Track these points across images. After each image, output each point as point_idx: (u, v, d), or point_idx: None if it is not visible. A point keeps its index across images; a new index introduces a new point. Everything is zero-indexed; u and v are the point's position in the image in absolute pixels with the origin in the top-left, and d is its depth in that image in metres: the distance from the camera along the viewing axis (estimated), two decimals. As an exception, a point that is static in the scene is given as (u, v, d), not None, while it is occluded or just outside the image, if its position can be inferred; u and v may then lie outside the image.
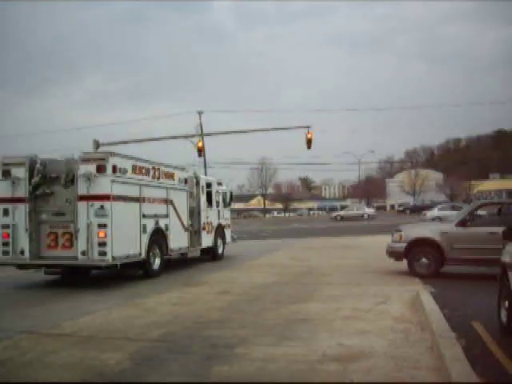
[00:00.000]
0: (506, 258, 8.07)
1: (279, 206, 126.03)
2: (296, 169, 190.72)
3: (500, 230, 8.42)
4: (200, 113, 49.38)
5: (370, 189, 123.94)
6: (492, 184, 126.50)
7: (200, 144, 42.88)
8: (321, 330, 8.19)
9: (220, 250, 21.93)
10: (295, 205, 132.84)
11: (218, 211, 22.02)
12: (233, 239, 24.02)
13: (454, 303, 10.37)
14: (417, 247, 14.61)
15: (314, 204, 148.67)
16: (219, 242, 21.86)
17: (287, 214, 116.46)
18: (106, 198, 13.62)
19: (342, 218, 70.44)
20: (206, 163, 52.30)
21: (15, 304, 11.81)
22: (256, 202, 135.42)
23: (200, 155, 44.32)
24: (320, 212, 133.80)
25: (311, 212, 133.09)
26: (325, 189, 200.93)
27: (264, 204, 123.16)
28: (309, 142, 37.60)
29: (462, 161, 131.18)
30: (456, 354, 6.15)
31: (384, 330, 8.03)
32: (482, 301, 10.27)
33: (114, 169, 13.84)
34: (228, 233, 23.24)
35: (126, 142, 47.25)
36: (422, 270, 14.44)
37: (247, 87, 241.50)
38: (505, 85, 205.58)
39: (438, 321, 8.03)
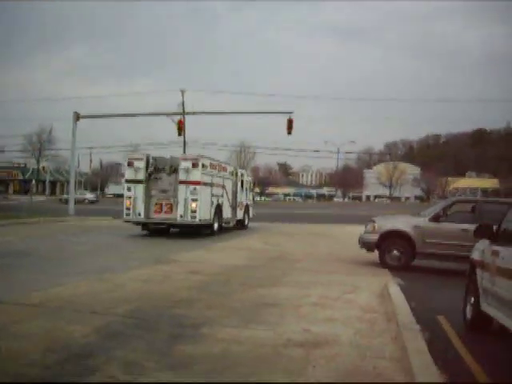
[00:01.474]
0: (475, 255, 8.17)
1: (256, 190, 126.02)
2: (276, 154, 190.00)
3: (472, 227, 8.50)
4: (183, 91, 49.12)
5: (347, 178, 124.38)
6: (468, 182, 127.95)
7: (181, 123, 42.58)
8: (288, 315, 8.21)
9: (246, 222, 30.07)
10: (271, 189, 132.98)
11: (246, 194, 30.26)
12: (252, 215, 31.78)
13: (421, 296, 10.49)
14: (389, 239, 14.71)
15: (290, 190, 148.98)
16: (246, 216, 30.00)
17: (262, 198, 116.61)
18: (197, 183, 21.75)
19: None
20: (186, 142, 52.16)
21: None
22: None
23: (180, 134, 44.06)
24: (296, 198, 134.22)
25: (287, 198, 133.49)
26: (302, 175, 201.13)
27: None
28: (289, 128, 37.48)
29: (440, 157, 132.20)
30: (419, 346, 6.22)
31: (350, 318, 8.08)
32: (449, 296, 10.41)
33: (202, 165, 22.00)
34: (251, 210, 31.36)
35: (105, 116, 46.92)
36: (393, 262, 14.56)
37: (233, 70, 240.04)
38: (487, 84, 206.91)
39: (404, 313, 8.11)
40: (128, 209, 22.51)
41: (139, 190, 22.39)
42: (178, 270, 13.00)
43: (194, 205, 21.52)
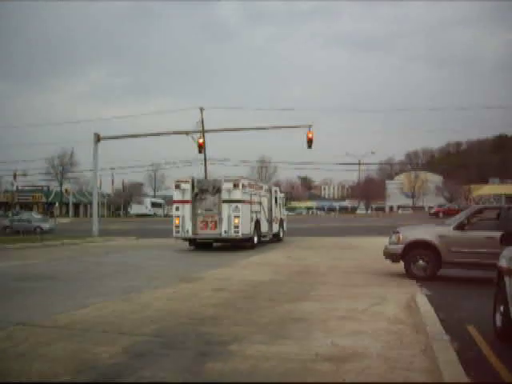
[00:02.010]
0: (502, 263, 8.06)
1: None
2: (296, 168, 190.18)
3: (497, 234, 8.40)
4: (202, 109, 49.17)
5: (369, 190, 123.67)
6: (491, 188, 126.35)
7: (201, 140, 42.72)
8: (315, 329, 8.18)
9: (281, 235, 32.46)
10: (294, 204, 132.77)
11: (280, 209, 32.65)
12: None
13: (449, 306, 10.37)
14: (414, 249, 14.58)
15: (312, 203, 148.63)
16: (281, 230, 32.38)
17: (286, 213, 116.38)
18: (239, 201, 24.27)
19: None
20: (207, 159, 52.36)
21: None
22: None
23: (200, 152, 44.21)
24: (319, 211, 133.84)
25: (310, 211, 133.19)
26: (324, 189, 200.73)
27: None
28: (309, 142, 37.39)
29: (461, 164, 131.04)
30: (449, 356, 6.15)
31: (378, 331, 8.02)
32: (478, 305, 10.27)
33: (242, 185, 24.62)
34: (285, 224, 33.83)
35: (125, 137, 47.27)
36: (419, 272, 14.43)
37: (250, 85, 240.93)
38: (506, 90, 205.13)
39: (433, 323, 8.03)
40: (177, 226, 25.06)
41: (187, 209, 24.96)
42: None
43: (236, 221, 24.04)
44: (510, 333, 7.61)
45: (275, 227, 31.02)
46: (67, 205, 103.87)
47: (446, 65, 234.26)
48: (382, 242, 16.48)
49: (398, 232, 15.24)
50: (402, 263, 14.90)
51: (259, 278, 14.63)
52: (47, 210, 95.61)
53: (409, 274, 14.56)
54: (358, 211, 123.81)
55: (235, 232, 24.12)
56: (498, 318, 7.93)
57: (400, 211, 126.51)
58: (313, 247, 27.05)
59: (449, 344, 6.74)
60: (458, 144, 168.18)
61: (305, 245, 29.01)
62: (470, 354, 6.79)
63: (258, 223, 26.80)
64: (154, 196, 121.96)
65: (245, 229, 24.64)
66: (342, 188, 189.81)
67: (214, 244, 27.09)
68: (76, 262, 20.14)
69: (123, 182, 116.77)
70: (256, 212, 26.63)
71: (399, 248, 14.73)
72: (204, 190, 25.26)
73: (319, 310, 9.87)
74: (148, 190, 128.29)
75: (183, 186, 25.20)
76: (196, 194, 25.22)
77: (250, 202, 25.74)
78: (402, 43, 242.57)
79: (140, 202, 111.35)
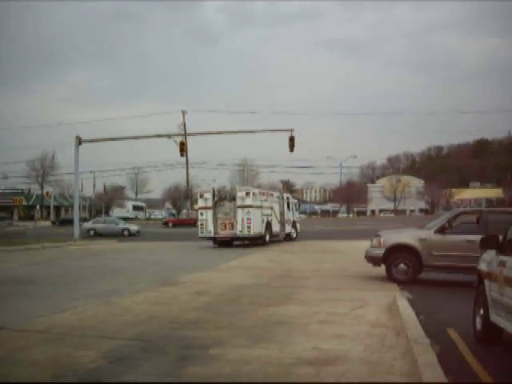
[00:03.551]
0: (482, 267, 8.12)
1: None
2: (278, 172, 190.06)
3: (478, 238, 8.44)
4: (184, 112, 49.24)
5: (351, 193, 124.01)
6: (472, 192, 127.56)
7: (182, 144, 42.68)
8: (297, 333, 8.18)
9: (294, 236, 36.73)
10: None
11: (293, 213, 37.08)
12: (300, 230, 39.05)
13: (430, 309, 10.43)
14: (395, 253, 14.64)
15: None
16: (293, 230, 36.82)
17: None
18: (250, 206, 29.35)
19: None
20: (189, 163, 52.34)
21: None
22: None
23: (182, 155, 44.18)
24: (301, 215, 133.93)
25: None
26: (306, 192, 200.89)
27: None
28: (291, 145, 37.54)
29: (443, 168, 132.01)
30: (430, 359, 6.17)
31: (360, 334, 8.03)
32: (458, 308, 10.33)
33: (253, 194, 29.87)
34: (298, 225, 38.28)
35: (107, 140, 47.06)
36: (400, 275, 14.48)
37: (234, 88, 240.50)
38: (487, 95, 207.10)
39: (414, 327, 8.06)
40: (202, 228, 30.39)
41: (209, 214, 30.13)
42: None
43: (249, 222, 29.22)
44: (489, 336, 7.67)
45: (288, 228, 35.77)
46: (48, 208, 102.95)
47: (429, 69, 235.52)
48: (364, 245, 16.54)
49: (379, 236, 15.30)
50: (383, 267, 14.96)
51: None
52: (29, 213, 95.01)
53: (390, 277, 14.61)
54: (340, 215, 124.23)
55: (248, 231, 29.36)
56: (478, 320, 7.99)
57: (381, 215, 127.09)
58: (292, 251, 27.17)
59: (429, 347, 6.76)
60: (439, 148, 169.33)
61: (286, 248, 29.35)
62: (450, 356, 6.83)
63: (269, 224, 31.84)
64: (136, 199, 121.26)
65: (256, 228, 29.72)
66: (324, 191, 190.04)
67: (235, 242, 31.67)
68: (57, 266, 20.00)
69: (104, 185, 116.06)
70: (267, 215, 31.72)
71: (380, 252, 14.78)
72: (222, 198, 30.53)
73: (301, 313, 9.88)
74: (130, 193, 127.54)
75: (206, 195, 30.54)
76: (216, 202, 30.29)
77: (261, 207, 30.77)
78: (387, 48, 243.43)
79: (122, 206, 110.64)
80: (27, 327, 8.71)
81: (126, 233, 46.72)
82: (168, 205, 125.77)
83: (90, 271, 17.85)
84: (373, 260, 15.20)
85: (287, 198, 36.73)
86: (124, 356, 6.87)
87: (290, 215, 36.32)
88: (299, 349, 7.12)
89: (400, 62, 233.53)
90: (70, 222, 76.21)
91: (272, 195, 34.17)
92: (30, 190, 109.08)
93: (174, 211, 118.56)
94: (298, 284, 14.26)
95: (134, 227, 49.04)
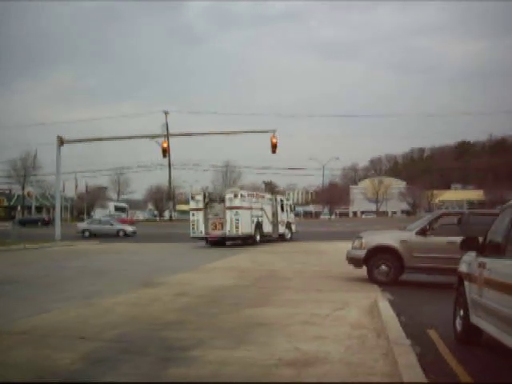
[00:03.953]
0: (462, 268, 8.19)
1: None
2: (262, 173, 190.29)
3: (458, 239, 8.50)
4: (166, 113, 49.11)
5: (333, 195, 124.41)
6: (453, 194, 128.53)
7: (165, 145, 42.52)
8: (278, 334, 8.17)
9: (288, 236, 37.74)
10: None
11: (287, 214, 38.21)
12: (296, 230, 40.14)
13: (410, 311, 10.48)
14: (377, 254, 14.69)
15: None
16: (287, 231, 37.93)
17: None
18: (238, 208, 30.55)
19: None
20: (171, 164, 52.18)
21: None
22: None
23: (164, 156, 44.04)
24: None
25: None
26: (288, 193, 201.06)
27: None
28: (273, 147, 37.52)
29: (424, 170, 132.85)
30: (410, 360, 6.20)
31: (341, 335, 8.05)
32: (439, 309, 10.39)
33: (241, 195, 31.10)
34: (293, 226, 39.54)
35: (89, 140, 46.80)
36: (382, 277, 14.53)
37: (218, 89, 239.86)
38: (469, 98, 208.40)
39: (394, 328, 8.09)
40: (193, 228, 31.58)
41: (200, 215, 31.37)
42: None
43: (237, 223, 30.40)
44: (469, 337, 7.73)
45: (281, 229, 36.94)
46: (30, 208, 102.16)
47: (412, 72, 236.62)
48: (345, 247, 16.58)
49: (360, 237, 15.34)
50: (364, 268, 15.01)
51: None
52: (9, 213, 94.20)
53: (371, 278, 14.66)
54: (322, 216, 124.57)
55: (236, 231, 30.52)
56: (458, 322, 8.05)
57: (364, 216, 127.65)
58: (276, 252, 27.19)
59: (410, 348, 6.80)
60: (421, 150, 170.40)
61: (269, 249, 29.22)
62: (430, 357, 6.88)
63: (259, 225, 32.94)
64: (118, 200, 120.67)
65: (244, 229, 30.91)
66: (306, 193, 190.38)
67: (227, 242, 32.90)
68: (38, 267, 19.85)
69: (86, 185, 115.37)
70: (257, 216, 32.78)
71: (362, 253, 14.83)
72: (213, 200, 31.93)
73: (282, 314, 9.89)
74: (112, 193, 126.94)
75: (197, 197, 32.07)
76: (207, 203, 31.54)
77: (250, 208, 31.82)
78: (368, 49, 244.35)
79: (104, 206, 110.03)
80: (7, 329, 8.63)
81: (121, 234, 46.39)
82: (150, 206, 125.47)
83: (72, 272, 17.75)
84: (354, 261, 15.23)
85: (281, 200, 38.05)
86: (105, 357, 6.83)
87: (283, 216, 37.47)
88: (280, 350, 7.12)
89: (383, 64, 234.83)
90: (32, 222, 75.53)
91: (263, 197, 35.75)
92: (11, 191, 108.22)
93: (155, 212, 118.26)
94: (281, 285, 14.27)
95: (129, 228, 48.74)
